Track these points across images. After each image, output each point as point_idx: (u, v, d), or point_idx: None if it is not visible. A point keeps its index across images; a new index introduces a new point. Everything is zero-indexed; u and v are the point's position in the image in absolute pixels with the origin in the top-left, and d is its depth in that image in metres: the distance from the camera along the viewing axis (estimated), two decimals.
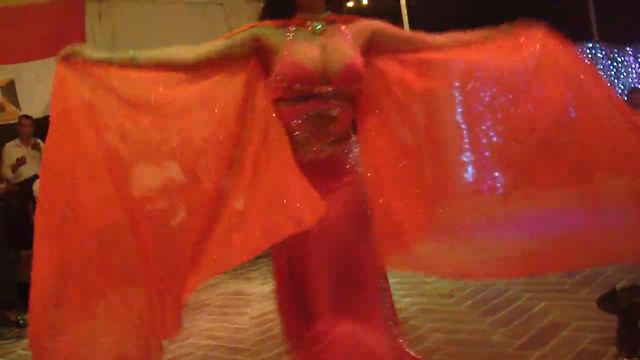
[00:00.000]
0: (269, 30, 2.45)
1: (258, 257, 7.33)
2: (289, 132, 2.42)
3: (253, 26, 2.48)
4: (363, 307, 2.43)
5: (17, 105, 8.83)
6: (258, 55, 2.46)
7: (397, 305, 4.66)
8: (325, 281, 2.36)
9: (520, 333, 3.93)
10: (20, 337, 5.60)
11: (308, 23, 2.47)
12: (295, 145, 2.42)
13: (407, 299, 4.95)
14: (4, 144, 8.09)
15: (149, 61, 2.37)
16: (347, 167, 2.50)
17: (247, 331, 4.78)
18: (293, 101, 2.41)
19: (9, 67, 8.62)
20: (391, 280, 5.23)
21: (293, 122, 2.42)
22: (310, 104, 2.40)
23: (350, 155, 2.51)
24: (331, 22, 2.49)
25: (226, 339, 4.70)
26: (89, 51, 2.30)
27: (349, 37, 2.47)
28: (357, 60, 2.43)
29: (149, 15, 9.89)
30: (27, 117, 7.96)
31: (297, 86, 2.38)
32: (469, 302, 4.68)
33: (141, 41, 9.76)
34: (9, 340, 5.57)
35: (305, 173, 2.37)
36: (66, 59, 2.26)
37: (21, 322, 5.83)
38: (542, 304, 4.43)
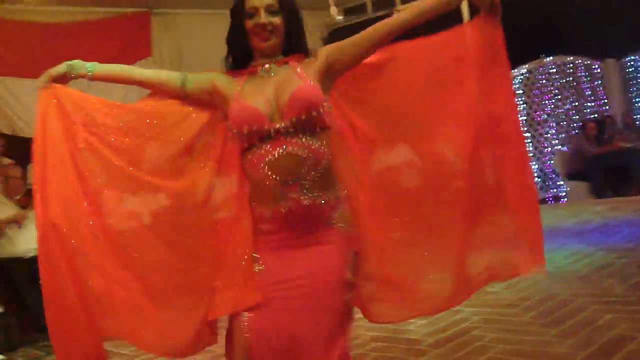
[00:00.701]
0: (223, 78, 2.42)
1: None
2: (261, 185, 2.29)
3: (210, 71, 2.46)
4: None
5: None
6: (216, 104, 2.43)
7: (460, 315, 4.72)
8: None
9: (585, 345, 3.90)
10: None
11: (259, 69, 2.38)
12: (270, 199, 2.28)
13: (470, 309, 4.94)
14: None
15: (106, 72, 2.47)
16: (329, 223, 2.32)
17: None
18: (253, 148, 2.28)
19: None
20: None
21: (260, 171, 2.27)
22: (270, 145, 2.25)
23: (336, 211, 2.33)
24: (284, 64, 2.38)
25: None
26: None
27: (300, 71, 2.34)
28: (306, 87, 2.28)
29: (214, 27, 10.08)
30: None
31: (245, 129, 2.25)
32: (533, 312, 4.66)
33: (207, 53, 9.94)
34: None
35: (279, 226, 2.30)
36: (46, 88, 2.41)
37: None
38: (608, 316, 4.38)
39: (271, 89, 2.31)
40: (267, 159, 2.24)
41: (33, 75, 8.34)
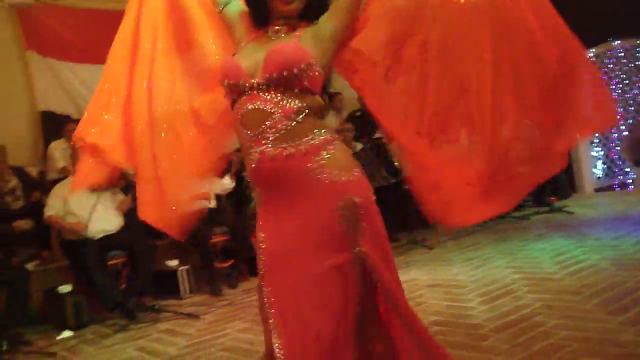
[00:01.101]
0: (242, 29, 2.52)
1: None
2: (240, 140, 2.37)
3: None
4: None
5: None
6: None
7: (522, 302, 4.68)
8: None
9: None
10: (156, 321, 5.94)
11: (269, 30, 2.42)
12: (246, 154, 2.33)
13: (532, 296, 4.91)
14: None
15: None
16: (307, 174, 2.28)
17: None
18: (234, 103, 2.35)
19: None
20: (515, 276, 5.24)
21: (237, 124, 2.34)
22: (243, 101, 2.30)
23: (314, 161, 2.27)
24: (294, 29, 2.41)
25: None
26: None
27: (299, 34, 2.36)
28: (285, 46, 2.29)
29: None
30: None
31: (226, 82, 2.33)
32: (597, 300, 4.59)
33: None
34: (146, 324, 5.90)
35: (259, 184, 2.35)
36: None
37: (156, 307, 6.16)
38: None
39: (267, 49, 2.32)
40: (240, 113, 2.30)
41: (101, 61, 8.53)
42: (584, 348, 3.72)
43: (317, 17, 2.40)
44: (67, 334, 5.92)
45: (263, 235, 2.35)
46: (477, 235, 7.94)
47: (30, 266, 6.75)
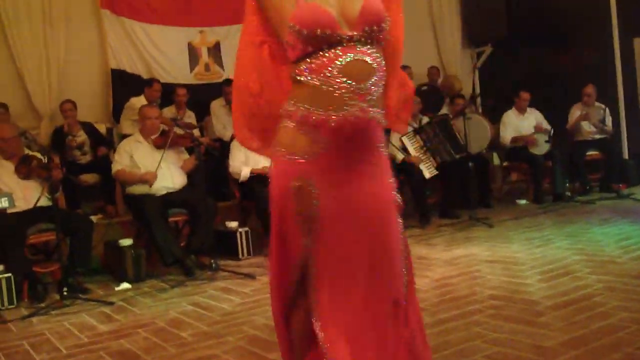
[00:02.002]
0: None
1: (441, 226, 7.42)
2: (326, 91, 2.17)
3: None
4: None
5: (221, 66, 9.33)
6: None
7: (582, 282, 4.59)
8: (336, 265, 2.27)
9: None
10: (212, 279, 6.01)
11: None
12: (335, 105, 2.17)
13: (594, 277, 4.80)
14: (209, 102, 8.59)
15: None
16: (379, 144, 2.30)
17: (427, 293, 4.83)
18: (321, 52, 2.16)
19: (217, 29, 9.12)
20: (576, 258, 5.14)
21: (328, 74, 2.16)
22: (341, 50, 2.16)
23: (383, 133, 2.32)
24: None
25: None
26: None
27: None
28: (374, 0, 2.21)
29: None
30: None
31: (318, 31, 2.12)
32: None
33: None
34: (203, 281, 5.97)
35: (336, 138, 2.19)
36: None
37: (214, 266, 6.23)
38: None
39: None
40: (338, 62, 2.14)
41: (171, 23, 8.59)
42: None
43: None
44: (125, 285, 6.03)
45: (319, 192, 2.25)
46: (540, 216, 7.82)
47: (94, 218, 6.90)
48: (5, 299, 5.62)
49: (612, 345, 3.43)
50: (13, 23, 7.93)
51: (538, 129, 9.04)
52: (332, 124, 2.17)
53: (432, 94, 9.79)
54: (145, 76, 8.69)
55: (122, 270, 6.20)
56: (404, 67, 9.61)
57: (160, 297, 5.59)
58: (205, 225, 6.50)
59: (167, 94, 8.38)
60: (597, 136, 9.37)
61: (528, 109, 9.37)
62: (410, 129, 8.29)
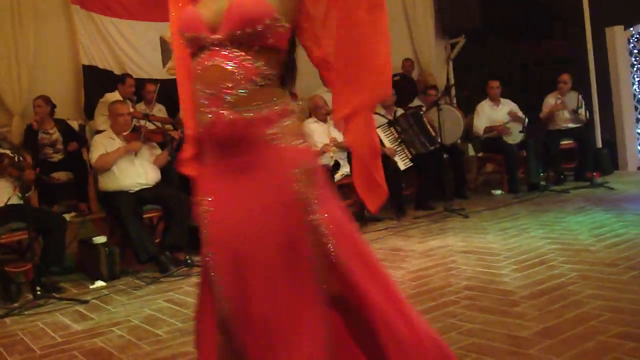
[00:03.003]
0: None
1: (417, 217, 7.43)
2: (194, 96, 2.19)
3: None
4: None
5: None
6: None
7: (557, 271, 4.62)
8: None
9: None
10: (187, 275, 5.97)
11: None
12: (197, 112, 2.19)
13: (568, 266, 4.83)
14: None
15: None
16: (264, 140, 2.14)
17: (402, 284, 4.83)
18: (194, 57, 2.19)
19: None
20: (551, 247, 5.17)
21: (193, 81, 2.19)
22: (203, 57, 2.14)
23: (274, 126, 2.15)
24: None
25: None
26: None
27: None
28: (247, 0, 2.09)
29: None
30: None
31: (186, 35, 2.17)
32: (633, 272, 4.50)
33: None
34: (178, 278, 5.93)
35: (205, 145, 2.22)
36: None
37: (189, 262, 6.18)
38: None
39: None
40: (198, 69, 2.15)
41: (143, 18, 8.49)
42: (617, 318, 3.65)
43: None
44: (99, 283, 5.98)
45: (210, 199, 2.23)
46: (514, 206, 7.86)
47: (67, 216, 6.83)
48: None
49: (586, 334, 3.46)
50: None
51: (512, 115, 9.08)
52: (200, 134, 2.20)
53: (406, 86, 9.78)
54: (117, 72, 8.59)
55: (97, 268, 6.14)
56: None
57: (135, 294, 5.54)
58: (180, 221, 6.44)
59: (141, 89, 8.30)
60: (571, 125, 9.41)
61: (502, 100, 9.39)
62: (384, 120, 8.30)
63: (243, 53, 2.10)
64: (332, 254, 2.13)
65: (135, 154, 6.55)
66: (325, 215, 2.16)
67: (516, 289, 4.40)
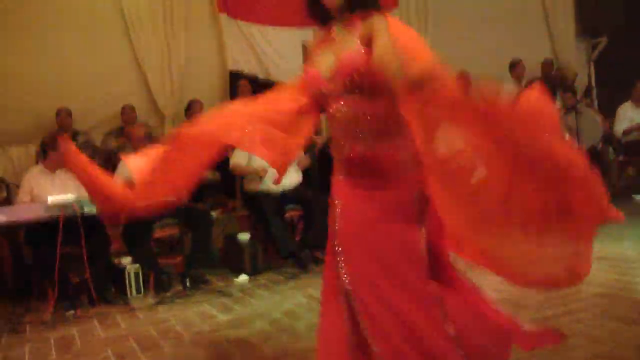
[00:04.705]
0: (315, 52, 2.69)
1: None
2: (332, 136, 2.67)
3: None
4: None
5: None
6: None
7: None
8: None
9: None
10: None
11: (332, 32, 2.61)
12: (337, 148, 2.64)
13: None
14: None
15: None
16: (392, 167, 2.55)
17: (532, 290, 4.89)
18: (323, 105, 2.63)
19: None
20: None
21: (329, 124, 2.66)
22: (329, 106, 2.59)
23: (398, 156, 2.55)
24: (349, 25, 2.55)
25: (512, 294, 4.83)
26: None
27: (360, 33, 2.49)
28: (351, 54, 2.47)
29: None
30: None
31: (312, 91, 2.63)
32: None
33: (451, 3, 10.04)
34: (316, 275, 6.13)
35: (343, 170, 2.64)
36: None
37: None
38: None
39: (334, 51, 2.55)
40: (330, 114, 2.60)
41: (287, 24, 8.78)
42: None
43: (368, 7, 2.51)
44: (243, 277, 6.36)
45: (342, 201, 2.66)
46: None
47: (214, 213, 7.27)
48: (133, 288, 6.07)
49: None
50: (137, 27, 8.39)
51: None
52: (342, 159, 2.66)
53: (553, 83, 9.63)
54: (262, 76, 9.02)
55: (241, 263, 6.53)
56: (515, 63, 9.59)
57: (275, 289, 5.87)
58: (319, 221, 6.72)
59: None
60: None
61: None
62: None
63: (357, 100, 2.51)
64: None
65: (260, 178, 6.83)
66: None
67: None
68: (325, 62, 2.58)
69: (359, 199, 2.60)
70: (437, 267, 2.63)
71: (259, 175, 6.73)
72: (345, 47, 2.52)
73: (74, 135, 7.60)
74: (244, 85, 8.46)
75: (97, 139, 7.97)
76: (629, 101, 9.19)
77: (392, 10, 9.53)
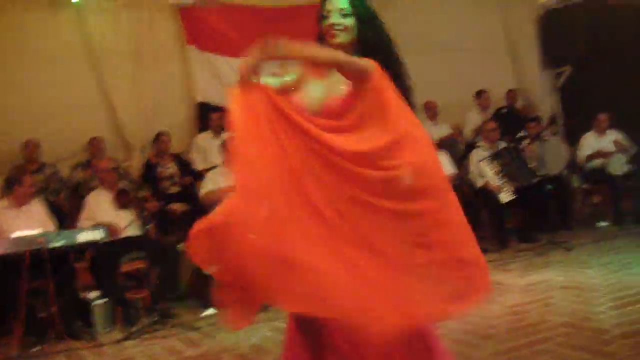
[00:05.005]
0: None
1: (520, 250, 7.44)
2: None
3: None
4: None
5: None
6: None
7: None
8: None
9: None
10: None
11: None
12: None
13: None
14: None
15: None
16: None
17: (498, 319, 4.95)
18: None
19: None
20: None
21: None
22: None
23: None
24: None
25: (479, 324, 4.90)
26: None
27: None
28: (340, 98, 2.60)
29: (425, 8, 10.23)
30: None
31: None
32: None
33: (417, 34, 10.15)
34: None
35: None
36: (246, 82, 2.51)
37: None
38: None
39: (324, 87, 2.65)
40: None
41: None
42: None
43: (374, 56, 2.57)
44: (210, 311, 6.33)
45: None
46: (619, 239, 7.79)
47: (181, 246, 7.26)
48: (101, 323, 6.02)
49: None
50: (104, 59, 8.42)
51: (617, 145, 8.96)
52: None
53: (512, 118, 9.81)
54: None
55: (208, 296, 6.50)
56: (482, 91, 9.76)
57: None
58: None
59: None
60: None
61: (608, 131, 9.26)
62: (487, 154, 8.39)
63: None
64: None
65: None
66: None
67: (611, 327, 4.44)
68: (314, 95, 2.64)
69: None
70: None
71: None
72: (335, 88, 2.62)
73: (42, 168, 7.59)
74: (216, 117, 8.47)
75: (65, 172, 7.92)
76: (592, 131, 9.34)
77: None
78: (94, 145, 7.96)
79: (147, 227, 6.45)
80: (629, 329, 4.36)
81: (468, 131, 9.81)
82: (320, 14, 2.71)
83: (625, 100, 9.85)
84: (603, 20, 10.42)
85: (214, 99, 9.00)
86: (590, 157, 9.15)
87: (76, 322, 6.06)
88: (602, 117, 9.26)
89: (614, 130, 9.28)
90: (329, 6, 2.68)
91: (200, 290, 6.75)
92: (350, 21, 2.65)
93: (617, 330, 4.36)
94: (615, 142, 9.02)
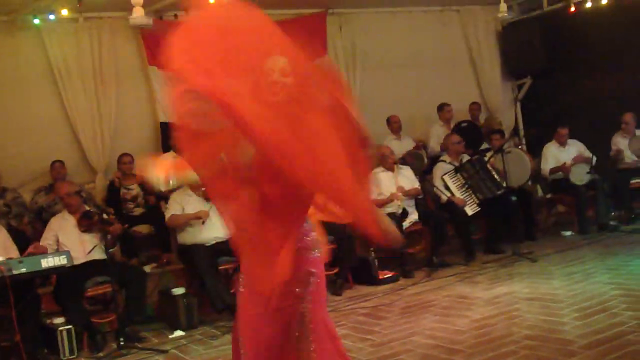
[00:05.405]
0: None
1: (486, 262, 7.48)
2: None
3: None
4: None
5: None
6: None
7: (617, 319, 4.69)
8: None
9: None
10: None
11: None
12: None
13: (629, 313, 4.91)
14: None
15: None
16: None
17: (465, 333, 4.98)
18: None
19: None
20: (614, 293, 5.20)
21: None
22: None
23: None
24: None
25: (445, 339, 4.94)
26: None
27: None
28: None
29: (386, 24, 10.32)
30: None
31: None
32: None
33: (379, 49, 10.25)
34: None
35: None
36: None
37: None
38: None
39: None
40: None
41: None
42: None
43: None
44: (178, 333, 6.29)
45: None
46: (583, 249, 7.89)
47: (147, 268, 7.21)
48: (67, 349, 5.93)
49: None
50: (66, 81, 8.35)
51: (577, 160, 9.07)
52: None
53: (473, 131, 9.89)
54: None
55: (176, 318, 6.47)
56: (444, 105, 9.85)
57: (211, 344, 5.82)
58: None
59: None
60: None
61: (569, 141, 9.39)
62: (451, 167, 8.46)
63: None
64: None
65: (203, 223, 6.88)
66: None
67: (575, 338, 4.50)
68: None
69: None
70: None
71: (201, 219, 6.75)
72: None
73: (3, 192, 7.48)
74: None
75: (27, 196, 7.82)
76: (553, 141, 9.45)
77: (321, 58, 9.66)
78: (56, 169, 7.87)
79: (112, 250, 6.37)
80: (593, 339, 4.41)
81: (434, 144, 9.87)
82: None
83: (584, 110, 10.02)
84: (562, 32, 10.60)
85: None
86: (553, 171, 9.25)
87: (42, 349, 5.96)
88: (562, 131, 9.36)
89: (575, 140, 9.40)
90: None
91: (167, 312, 6.71)
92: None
93: (582, 340, 4.42)
94: (576, 158, 9.11)
